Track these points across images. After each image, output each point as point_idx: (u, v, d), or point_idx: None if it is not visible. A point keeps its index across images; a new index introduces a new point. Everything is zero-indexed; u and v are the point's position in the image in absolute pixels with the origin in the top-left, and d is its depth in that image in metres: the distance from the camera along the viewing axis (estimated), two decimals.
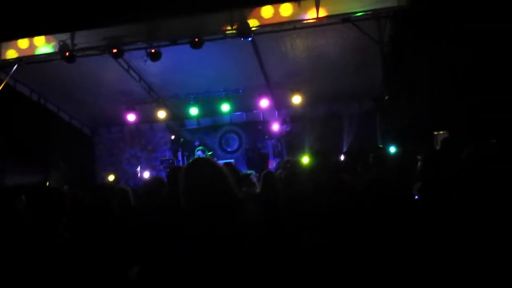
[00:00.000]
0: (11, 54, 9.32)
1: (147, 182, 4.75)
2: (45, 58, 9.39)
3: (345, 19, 8.46)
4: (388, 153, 8.38)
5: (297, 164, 5.57)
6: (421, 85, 9.74)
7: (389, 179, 4.60)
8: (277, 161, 12.40)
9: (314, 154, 4.38)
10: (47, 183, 12.02)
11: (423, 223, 3.31)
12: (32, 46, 9.25)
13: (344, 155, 10.17)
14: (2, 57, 9.29)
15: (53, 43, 9.07)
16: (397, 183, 4.53)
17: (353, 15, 8.25)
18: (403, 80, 9.58)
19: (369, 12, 8.17)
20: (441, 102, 9.78)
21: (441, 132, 9.89)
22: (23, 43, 9.22)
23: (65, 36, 8.79)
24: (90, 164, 14.22)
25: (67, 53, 8.76)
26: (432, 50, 9.02)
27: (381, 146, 9.05)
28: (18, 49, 9.32)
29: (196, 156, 13.02)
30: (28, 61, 9.51)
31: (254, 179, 5.56)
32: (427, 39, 8.95)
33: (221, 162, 4.89)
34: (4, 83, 9.99)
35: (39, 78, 10.91)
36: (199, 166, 2.65)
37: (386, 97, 9.10)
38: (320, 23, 8.59)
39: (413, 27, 8.75)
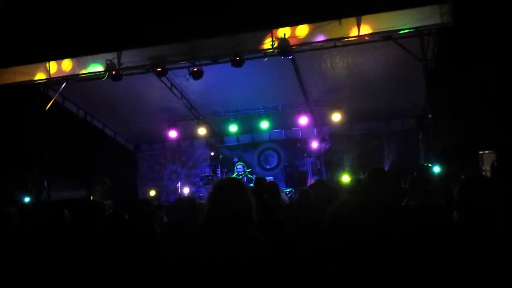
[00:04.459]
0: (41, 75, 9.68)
1: (179, 201, 4.80)
2: (93, 76, 9.73)
3: (387, 36, 8.39)
4: (431, 173, 8.17)
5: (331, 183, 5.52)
6: (465, 103, 9.50)
7: (430, 204, 4.43)
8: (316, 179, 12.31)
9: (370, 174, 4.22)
10: (91, 198, 12.35)
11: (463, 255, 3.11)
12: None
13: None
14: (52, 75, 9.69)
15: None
16: (439, 209, 4.36)
17: (395, 32, 8.16)
18: (447, 98, 9.36)
19: (411, 30, 8.07)
20: (486, 121, 9.50)
21: (486, 152, 9.59)
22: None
23: (111, 55, 9.11)
24: (132, 180, 14.56)
25: (113, 72, 9.07)
26: (477, 68, 8.81)
27: (427, 165, 8.83)
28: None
29: (236, 172, 13.12)
30: (76, 79, 9.89)
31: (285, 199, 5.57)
32: (471, 57, 8.75)
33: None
34: (53, 100, 10.43)
35: (86, 96, 11.31)
36: (224, 187, 2.66)
37: (430, 116, 8.89)
38: (361, 40, 8.55)
39: (457, 45, 8.58)
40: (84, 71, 9.53)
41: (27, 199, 10.10)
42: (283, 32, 8.41)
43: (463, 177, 3.55)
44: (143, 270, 3.47)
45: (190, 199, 4.67)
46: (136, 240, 3.75)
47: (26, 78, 9.66)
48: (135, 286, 3.47)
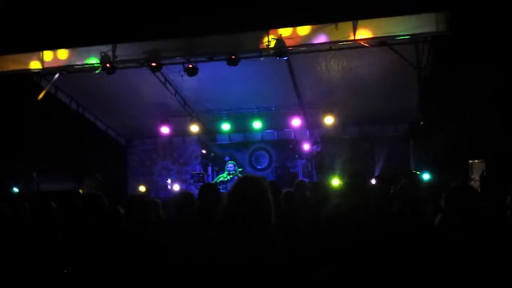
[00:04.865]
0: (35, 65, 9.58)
1: (177, 196, 4.80)
2: (86, 68, 9.67)
3: (383, 42, 8.43)
4: (420, 180, 8.21)
5: (324, 187, 5.53)
6: (458, 111, 9.57)
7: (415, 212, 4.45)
8: (306, 181, 12.35)
9: (350, 177, 4.26)
10: (80, 191, 12.28)
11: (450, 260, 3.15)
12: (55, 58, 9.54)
13: (376, 179, 10.01)
14: (45, 66, 9.60)
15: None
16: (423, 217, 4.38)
17: (391, 38, 8.22)
18: (439, 106, 9.44)
19: (407, 36, 8.14)
20: (478, 130, 9.58)
21: (476, 161, 9.65)
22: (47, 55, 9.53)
23: (106, 48, 9.05)
24: (123, 174, 14.50)
25: (108, 65, 9.02)
26: (471, 77, 8.88)
27: (416, 172, 8.88)
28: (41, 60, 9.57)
29: (226, 171, 13.11)
30: (70, 70, 9.83)
31: None
32: (466, 66, 8.82)
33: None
34: (45, 90, 10.34)
35: (79, 88, 11.25)
36: (246, 185, 2.65)
37: (422, 123, 8.96)
38: (357, 45, 8.59)
39: (452, 53, 8.65)
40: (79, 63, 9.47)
41: (15, 190, 10.03)
42: (280, 33, 8.43)
43: (451, 185, 3.60)
44: (139, 267, 3.45)
45: (188, 194, 4.66)
46: (131, 236, 3.73)
47: (20, 67, 9.57)
48: (132, 283, 3.44)
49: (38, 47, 9.42)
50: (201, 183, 12.80)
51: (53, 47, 9.44)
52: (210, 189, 4.31)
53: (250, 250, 2.46)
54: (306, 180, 12.33)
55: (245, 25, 8.35)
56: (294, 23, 8.41)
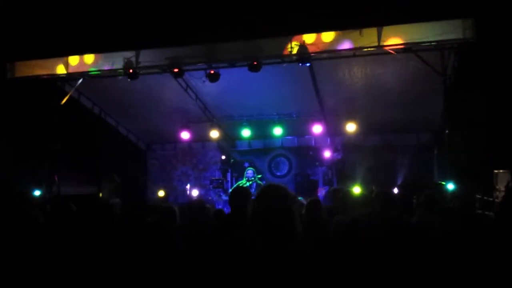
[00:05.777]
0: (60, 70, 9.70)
1: (189, 203, 4.80)
2: (109, 74, 9.75)
3: (407, 48, 8.30)
4: (445, 190, 8.03)
5: (348, 195, 5.42)
6: (483, 120, 9.37)
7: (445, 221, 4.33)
8: (326, 189, 12.19)
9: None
10: (100, 195, 12.38)
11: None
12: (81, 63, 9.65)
13: (398, 188, 9.85)
14: (69, 71, 9.72)
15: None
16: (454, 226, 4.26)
17: (416, 45, 8.09)
18: (465, 114, 9.25)
19: (433, 43, 7.99)
20: (503, 139, 9.37)
21: (501, 171, 9.42)
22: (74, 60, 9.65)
23: (130, 54, 9.13)
24: (142, 179, 14.57)
25: (130, 70, 9.09)
26: (497, 85, 8.70)
27: (441, 183, 8.68)
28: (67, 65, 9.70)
29: (245, 178, 13.07)
30: (93, 76, 9.93)
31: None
32: (492, 73, 8.65)
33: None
34: (68, 95, 10.48)
35: (102, 93, 11.36)
36: (270, 191, 2.65)
37: (446, 131, 8.77)
38: (380, 51, 8.47)
39: (478, 61, 8.49)
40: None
41: (37, 193, 10.14)
42: (303, 39, 8.37)
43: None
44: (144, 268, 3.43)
45: (199, 201, 4.63)
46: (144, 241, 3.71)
47: (45, 72, 9.72)
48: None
49: (62, 53, 9.57)
50: (220, 189, 12.81)
51: (77, 53, 9.57)
52: (241, 193, 4.27)
53: (275, 256, 2.43)
54: (326, 187, 12.23)
55: (265, 32, 8.35)
56: (316, 30, 8.37)
